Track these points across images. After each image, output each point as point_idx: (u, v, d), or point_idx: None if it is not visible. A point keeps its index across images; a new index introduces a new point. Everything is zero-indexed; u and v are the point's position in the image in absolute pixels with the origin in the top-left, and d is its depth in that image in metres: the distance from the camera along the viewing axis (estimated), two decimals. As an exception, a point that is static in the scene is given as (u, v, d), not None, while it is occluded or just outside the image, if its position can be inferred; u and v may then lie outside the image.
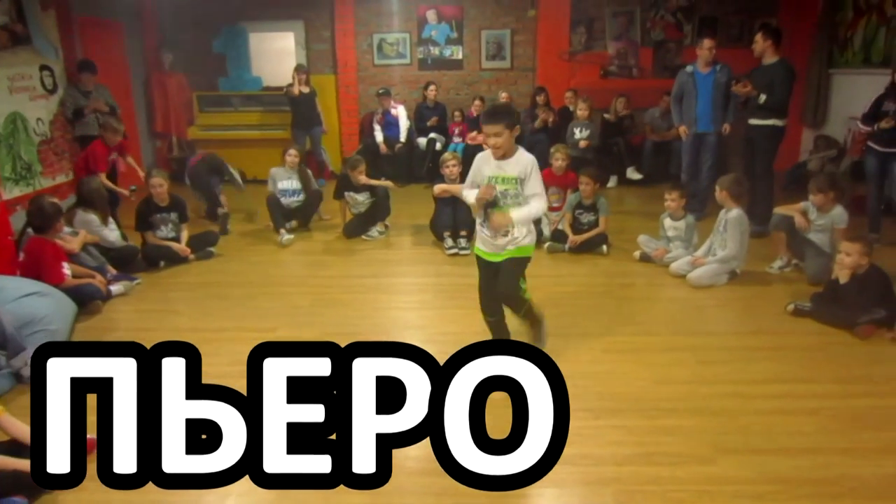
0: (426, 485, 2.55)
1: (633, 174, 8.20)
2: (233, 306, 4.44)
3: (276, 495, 2.50)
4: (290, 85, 7.96)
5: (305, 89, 8.04)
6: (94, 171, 5.62)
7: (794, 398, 3.16)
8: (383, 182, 6.20)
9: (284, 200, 6.25)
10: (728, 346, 3.75)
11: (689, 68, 6.35)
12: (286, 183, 6.29)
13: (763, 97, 5.59)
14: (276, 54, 8.81)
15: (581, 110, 7.56)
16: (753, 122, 5.84)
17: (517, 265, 3.26)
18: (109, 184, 5.70)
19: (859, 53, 7.72)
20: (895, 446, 2.76)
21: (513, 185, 3.12)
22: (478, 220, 3.32)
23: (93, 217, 4.91)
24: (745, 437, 2.83)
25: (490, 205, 3.14)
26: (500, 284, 3.28)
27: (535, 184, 3.13)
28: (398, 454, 2.72)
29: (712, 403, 3.11)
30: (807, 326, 4.03)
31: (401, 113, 8.46)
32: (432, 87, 8.62)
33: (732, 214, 4.75)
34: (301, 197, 6.34)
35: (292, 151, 6.34)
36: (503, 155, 3.11)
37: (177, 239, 5.36)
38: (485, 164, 3.20)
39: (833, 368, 3.49)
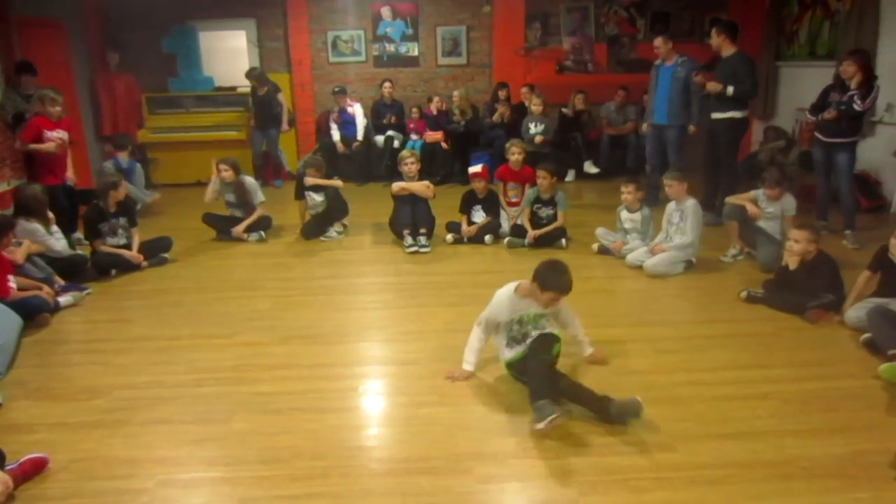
0: (391, 486, 2.54)
1: (590, 168, 8.30)
2: (189, 313, 4.34)
3: (237, 504, 2.46)
4: (254, 87, 7.90)
5: (263, 90, 7.94)
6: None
7: (748, 384, 3.24)
8: (332, 182, 6.11)
9: (231, 211, 6.08)
10: (684, 336, 3.83)
11: (657, 61, 6.51)
12: (230, 196, 6.05)
13: (731, 88, 5.72)
14: (228, 53, 8.64)
15: (535, 105, 7.61)
16: (715, 115, 5.98)
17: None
18: (35, 146, 5.48)
19: (805, 46, 7.94)
20: (844, 426, 2.86)
21: (544, 321, 3.23)
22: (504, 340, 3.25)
23: (36, 226, 4.70)
24: (702, 424, 2.89)
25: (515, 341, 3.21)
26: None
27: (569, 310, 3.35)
28: (363, 455, 2.73)
29: (670, 392, 3.17)
30: (759, 313, 4.14)
31: (357, 111, 8.39)
32: (388, 85, 8.57)
33: (689, 203, 4.86)
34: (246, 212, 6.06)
35: (223, 166, 5.86)
36: None
37: (128, 245, 5.22)
38: (521, 302, 3.15)
39: (785, 353, 3.59)
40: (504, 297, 3.16)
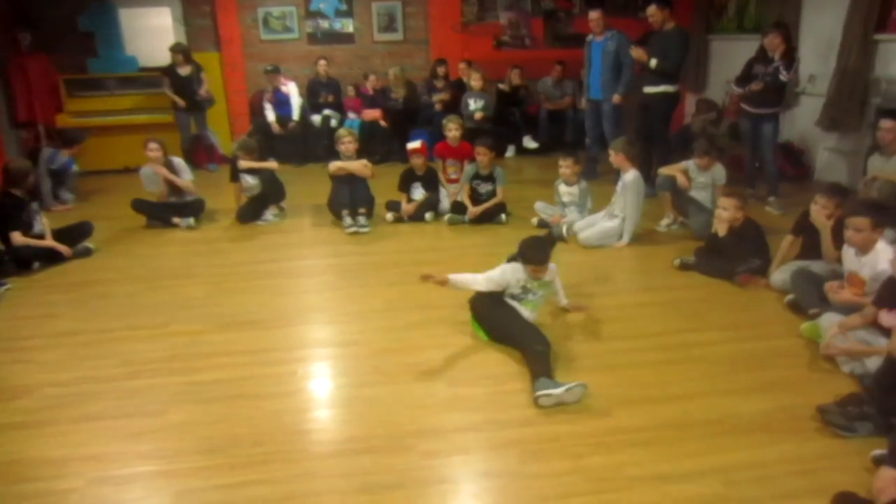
0: (333, 467, 2.53)
1: (529, 143, 8.35)
2: (119, 304, 4.18)
3: (174, 497, 2.40)
4: (173, 66, 7.56)
5: (186, 69, 7.63)
6: None
7: (681, 348, 3.35)
8: (266, 164, 5.95)
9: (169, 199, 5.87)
10: (621, 304, 3.92)
11: (589, 37, 6.56)
12: (161, 186, 5.82)
13: (654, 61, 5.81)
14: (152, 32, 8.23)
15: (475, 81, 7.59)
16: (647, 89, 6.07)
17: None
18: None
19: (733, 20, 8.15)
20: (768, 383, 2.99)
21: (546, 288, 3.57)
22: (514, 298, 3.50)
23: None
24: (638, 389, 2.98)
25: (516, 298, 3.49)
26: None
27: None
28: (304, 439, 2.70)
29: (607, 360, 3.25)
30: (692, 279, 4.27)
31: (292, 90, 8.18)
32: (323, 63, 8.38)
33: (629, 177, 4.90)
34: (179, 196, 5.86)
35: (153, 145, 5.64)
36: None
37: (43, 235, 4.93)
38: (521, 274, 3.45)
39: (715, 317, 3.72)
40: (513, 268, 3.46)
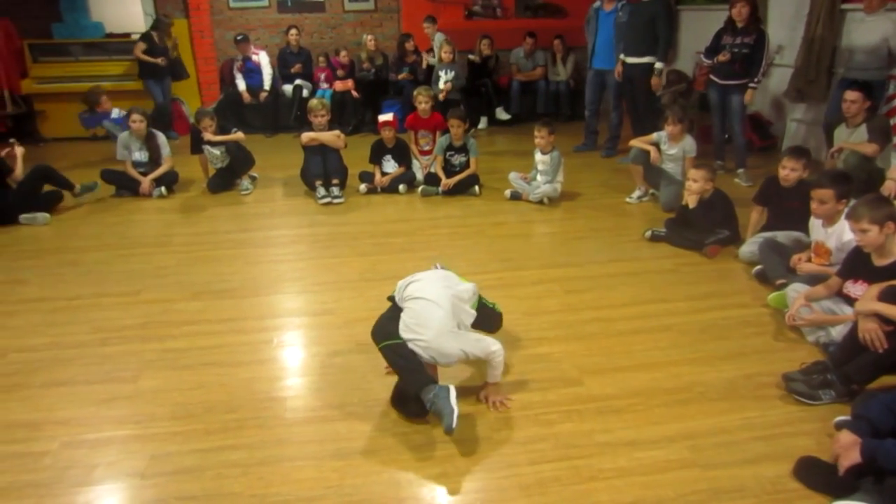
0: (307, 433, 2.55)
1: (501, 114, 8.33)
2: (89, 272, 4.12)
3: (149, 460, 2.40)
4: (150, 34, 7.39)
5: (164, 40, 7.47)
6: None
7: (650, 318, 3.41)
8: (231, 136, 5.79)
9: (141, 169, 5.74)
10: (592, 275, 3.96)
11: (595, 4, 6.51)
12: (139, 154, 5.73)
13: (659, 65, 6.07)
14: (118, -3, 8.02)
15: (445, 53, 7.52)
16: (631, 60, 6.05)
17: None
18: None
19: (703, -9, 8.16)
20: (735, 352, 3.07)
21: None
22: None
23: None
24: (608, 358, 3.03)
25: None
26: None
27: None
28: (278, 406, 2.71)
29: (578, 329, 3.30)
30: (662, 251, 4.33)
31: (263, 59, 8.02)
32: (293, 32, 8.22)
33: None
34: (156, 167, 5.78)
35: (136, 116, 5.61)
36: None
37: None
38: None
39: (684, 287, 3.78)
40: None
